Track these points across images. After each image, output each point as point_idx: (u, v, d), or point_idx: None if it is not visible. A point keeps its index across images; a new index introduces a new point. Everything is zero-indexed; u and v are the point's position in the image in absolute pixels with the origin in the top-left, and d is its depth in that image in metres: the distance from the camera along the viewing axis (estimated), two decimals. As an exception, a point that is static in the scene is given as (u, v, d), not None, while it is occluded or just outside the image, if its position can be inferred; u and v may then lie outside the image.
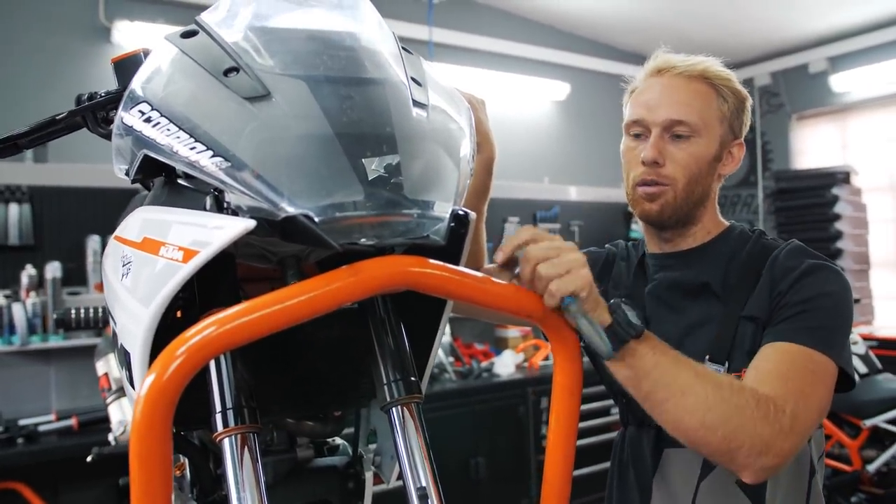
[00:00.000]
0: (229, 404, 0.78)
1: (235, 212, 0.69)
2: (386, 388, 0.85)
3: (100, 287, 3.37)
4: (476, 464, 3.60)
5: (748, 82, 5.69)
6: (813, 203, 5.01)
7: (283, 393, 1.01)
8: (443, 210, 0.72)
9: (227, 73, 0.74)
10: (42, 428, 2.92)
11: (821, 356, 1.05)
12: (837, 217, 4.90)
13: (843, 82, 5.36)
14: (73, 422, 2.93)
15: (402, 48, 0.87)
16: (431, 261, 0.70)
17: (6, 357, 3.12)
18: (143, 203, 1.53)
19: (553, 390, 0.85)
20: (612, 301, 0.94)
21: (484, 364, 3.98)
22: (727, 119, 1.24)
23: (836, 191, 4.93)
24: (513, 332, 4.42)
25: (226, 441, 0.77)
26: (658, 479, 1.21)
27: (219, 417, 0.78)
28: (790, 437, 0.95)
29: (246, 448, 0.77)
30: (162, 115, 0.74)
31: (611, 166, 5.45)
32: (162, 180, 0.89)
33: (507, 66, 4.96)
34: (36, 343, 3.10)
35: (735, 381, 0.98)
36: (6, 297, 3.11)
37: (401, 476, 0.82)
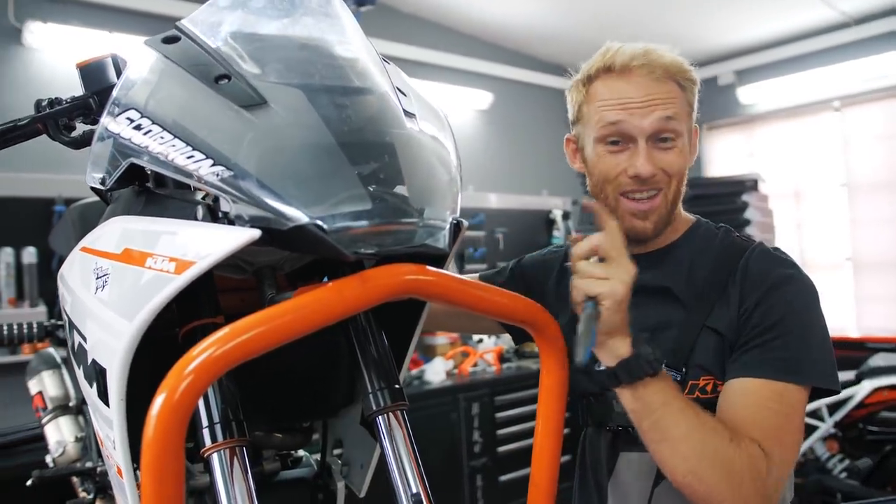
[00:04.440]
0: (216, 418, 0.77)
1: (233, 221, 0.67)
2: (371, 396, 0.85)
3: (14, 301, 3.20)
4: (410, 472, 3.59)
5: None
6: (724, 209, 5.21)
7: (254, 405, 1.00)
8: (443, 218, 0.72)
9: (217, 80, 0.72)
10: (-48, 453, 2.73)
11: (793, 389, 1.03)
12: (747, 222, 5.11)
13: (749, 94, 5.68)
14: (-14, 445, 2.75)
15: (382, 59, 0.87)
16: (432, 269, 0.71)
17: None
18: (79, 214, 1.47)
19: (540, 393, 0.86)
20: (636, 336, 0.97)
21: (414, 372, 3.97)
22: (693, 111, 1.20)
23: (745, 197, 5.15)
24: (441, 340, 4.42)
25: (214, 456, 0.75)
26: (613, 481, 1.18)
27: (206, 432, 0.76)
28: (770, 499, 0.97)
29: (236, 462, 0.76)
30: (154, 123, 0.71)
31: (533, 174, 5.58)
32: (134, 190, 0.86)
33: (432, 75, 4.99)
34: (-57, 362, 2.92)
35: (736, 434, 0.97)
36: None
37: (390, 483, 0.82)
